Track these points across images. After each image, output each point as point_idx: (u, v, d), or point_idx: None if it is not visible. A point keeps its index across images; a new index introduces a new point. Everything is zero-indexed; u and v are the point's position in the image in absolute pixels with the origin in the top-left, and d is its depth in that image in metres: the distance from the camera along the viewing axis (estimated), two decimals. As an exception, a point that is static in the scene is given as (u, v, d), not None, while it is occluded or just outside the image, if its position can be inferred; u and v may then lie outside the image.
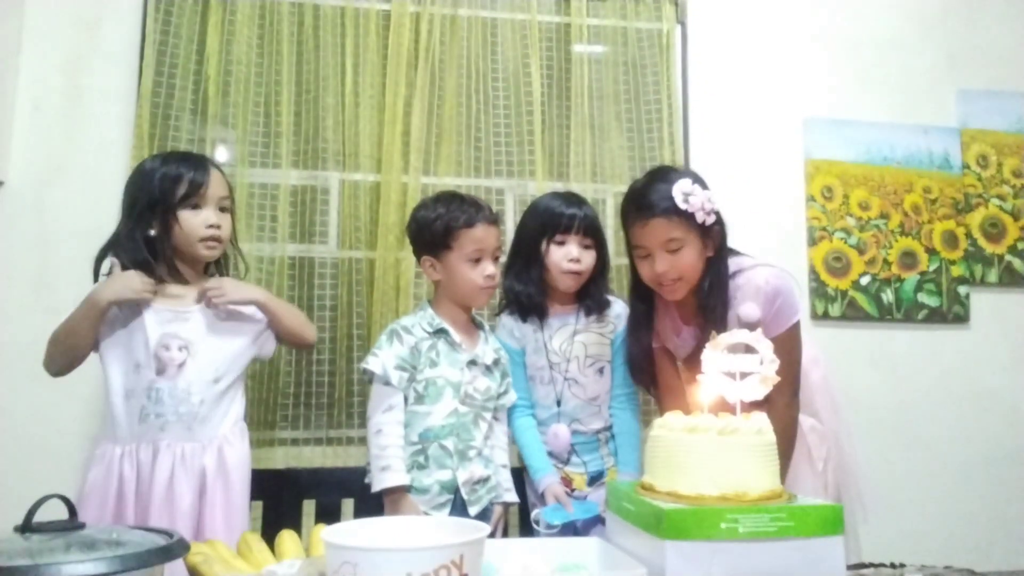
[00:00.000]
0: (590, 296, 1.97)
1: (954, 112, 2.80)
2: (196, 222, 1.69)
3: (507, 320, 1.99)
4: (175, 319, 1.68)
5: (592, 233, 1.94)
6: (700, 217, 1.70)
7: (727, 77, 2.64)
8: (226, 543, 1.59)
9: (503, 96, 2.46)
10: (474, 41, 2.45)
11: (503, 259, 1.96)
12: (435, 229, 1.80)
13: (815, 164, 2.68)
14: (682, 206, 1.69)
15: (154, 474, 1.60)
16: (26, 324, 2.12)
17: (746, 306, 1.74)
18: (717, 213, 1.74)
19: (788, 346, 1.71)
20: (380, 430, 1.72)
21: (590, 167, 2.47)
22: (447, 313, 1.83)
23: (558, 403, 1.94)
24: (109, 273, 1.69)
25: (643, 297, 1.87)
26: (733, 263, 1.80)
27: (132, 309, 1.67)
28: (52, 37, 2.29)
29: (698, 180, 1.75)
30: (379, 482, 1.69)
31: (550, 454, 1.93)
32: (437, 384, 1.77)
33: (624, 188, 2.50)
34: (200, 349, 1.68)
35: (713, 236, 1.75)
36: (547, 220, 1.93)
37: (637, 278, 1.83)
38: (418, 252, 1.87)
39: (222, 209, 1.74)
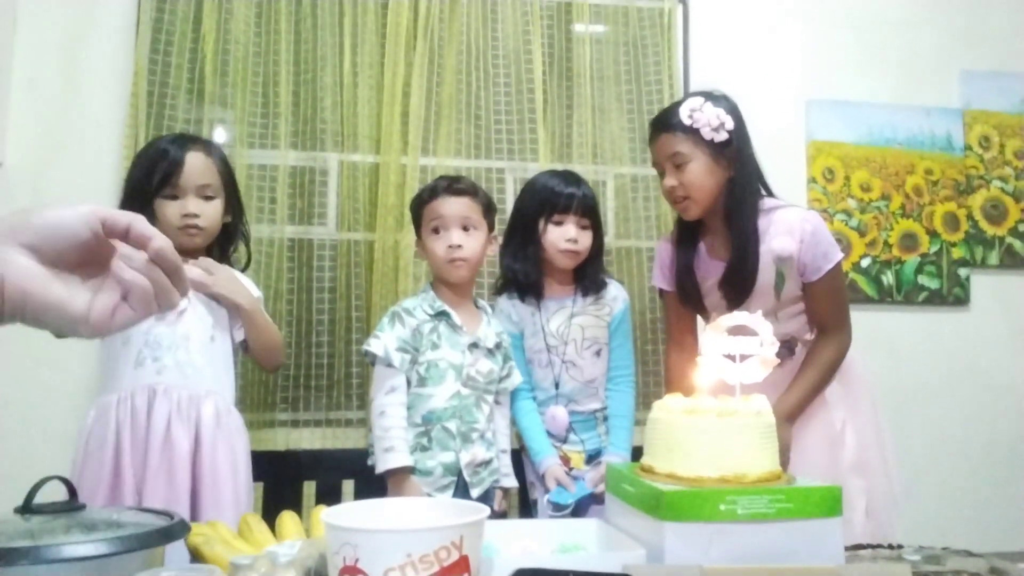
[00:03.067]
0: (587, 277, 1.98)
1: (957, 93, 2.78)
2: (172, 212, 1.67)
3: (504, 304, 2.00)
4: None
5: (589, 214, 1.95)
6: (707, 134, 1.73)
7: (729, 57, 2.61)
8: (232, 491, 1.63)
9: (503, 76, 2.44)
10: (474, 19, 2.42)
11: (499, 237, 1.97)
12: (413, 211, 1.88)
13: (817, 145, 2.66)
14: (686, 121, 1.74)
15: (151, 421, 1.60)
16: (25, 305, 2.12)
17: (780, 240, 1.76)
18: (731, 133, 1.74)
19: (837, 285, 1.83)
20: (383, 412, 1.73)
21: (591, 148, 2.46)
22: (447, 295, 1.83)
23: (556, 386, 1.95)
24: None
25: (684, 221, 1.90)
26: (768, 201, 1.82)
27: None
28: (48, 14, 2.26)
29: (718, 101, 1.77)
30: (383, 463, 1.70)
31: (548, 434, 1.94)
32: (439, 366, 1.77)
33: (625, 170, 2.51)
34: (199, 301, 1.69)
35: (728, 156, 1.76)
36: (545, 199, 1.94)
37: None
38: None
39: (206, 197, 1.70)
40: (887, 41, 2.75)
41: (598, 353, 1.97)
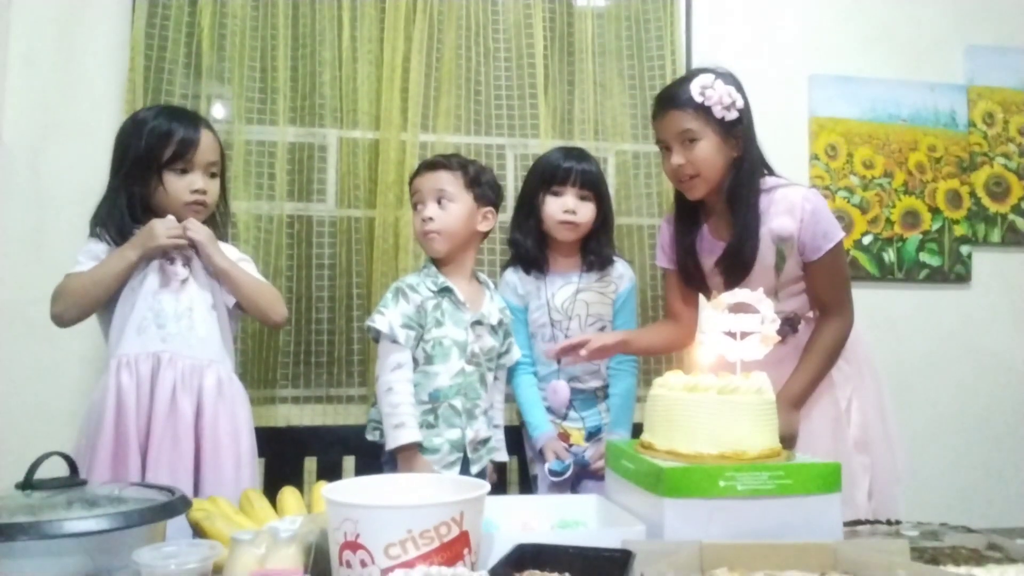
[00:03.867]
0: (591, 251, 1.97)
1: (961, 69, 2.76)
2: (181, 186, 1.67)
3: (511, 276, 2.00)
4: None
5: (590, 186, 1.94)
6: (718, 112, 1.71)
7: (731, 32, 2.59)
8: (233, 463, 1.63)
9: (504, 51, 2.41)
10: (474, -7, 2.39)
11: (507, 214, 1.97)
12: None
13: (819, 122, 2.64)
14: (697, 99, 1.72)
15: (156, 389, 1.60)
16: (24, 283, 2.11)
17: (780, 219, 1.74)
18: (741, 112, 1.73)
19: (838, 264, 1.80)
20: (391, 388, 1.72)
21: (593, 124, 2.44)
22: (446, 271, 1.82)
23: (558, 361, 1.95)
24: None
25: (684, 202, 1.87)
26: (770, 180, 1.81)
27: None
28: (43, -11, 2.24)
29: (727, 78, 1.75)
30: (393, 440, 1.69)
31: (549, 410, 1.94)
32: (444, 344, 1.76)
33: (627, 146, 2.49)
34: (201, 271, 1.69)
35: (736, 135, 1.75)
36: (545, 172, 1.95)
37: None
38: None
39: (211, 175, 1.72)
40: (891, 16, 2.72)
41: (602, 330, 1.97)
